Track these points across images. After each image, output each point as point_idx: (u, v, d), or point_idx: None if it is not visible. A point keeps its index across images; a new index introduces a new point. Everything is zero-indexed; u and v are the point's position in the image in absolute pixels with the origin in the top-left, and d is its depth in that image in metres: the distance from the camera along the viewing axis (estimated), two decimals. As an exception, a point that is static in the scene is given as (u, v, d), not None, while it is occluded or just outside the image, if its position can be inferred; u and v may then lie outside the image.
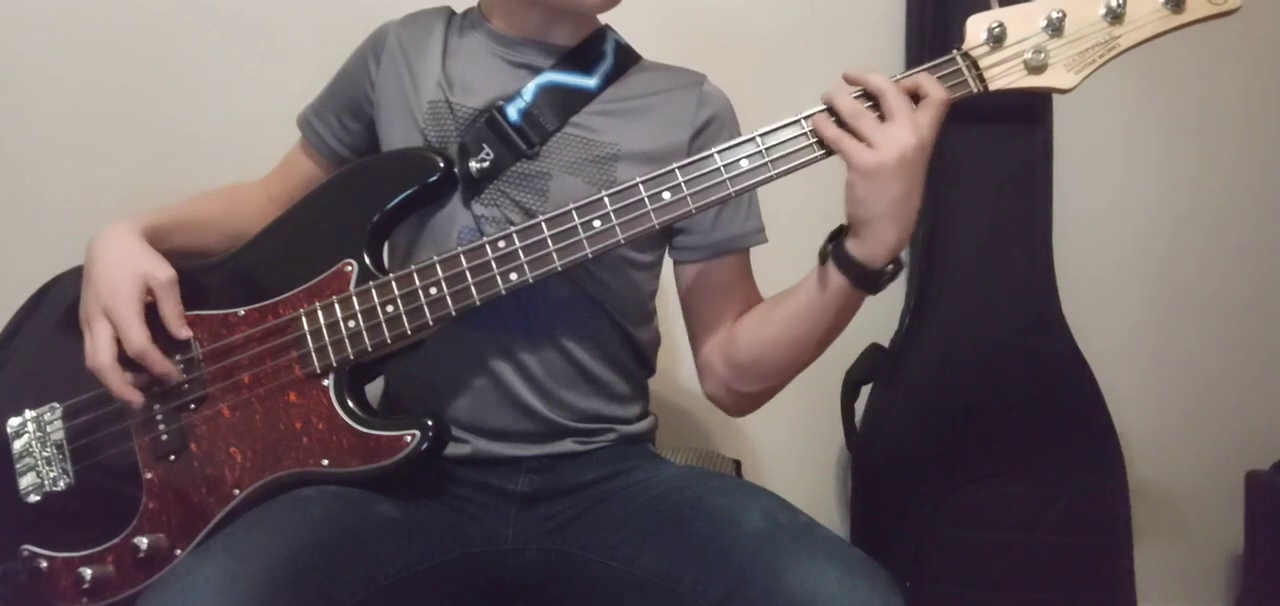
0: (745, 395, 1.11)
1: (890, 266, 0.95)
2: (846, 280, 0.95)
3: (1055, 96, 1.57)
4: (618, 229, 0.96)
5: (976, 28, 0.95)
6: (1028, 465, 1.56)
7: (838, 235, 0.97)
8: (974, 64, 0.95)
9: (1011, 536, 1.55)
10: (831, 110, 0.94)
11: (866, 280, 0.95)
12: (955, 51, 0.95)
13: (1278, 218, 1.71)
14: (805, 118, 0.95)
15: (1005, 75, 0.95)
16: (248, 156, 1.24)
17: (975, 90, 0.94)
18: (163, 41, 1.58)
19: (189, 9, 1.58)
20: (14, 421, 1.06)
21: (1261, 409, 1.72)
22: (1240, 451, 1.67)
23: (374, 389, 1.12)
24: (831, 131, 0.93)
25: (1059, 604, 1.56)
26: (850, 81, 0.94)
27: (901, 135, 0.90)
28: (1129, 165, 1.69)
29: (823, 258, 0.98)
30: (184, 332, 1.01)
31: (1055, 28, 0.94)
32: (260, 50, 1.58)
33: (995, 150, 1.59)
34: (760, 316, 1.07)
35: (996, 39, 0.94)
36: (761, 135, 0.95)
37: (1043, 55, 0.94)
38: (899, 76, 0.94)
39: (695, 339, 1.14)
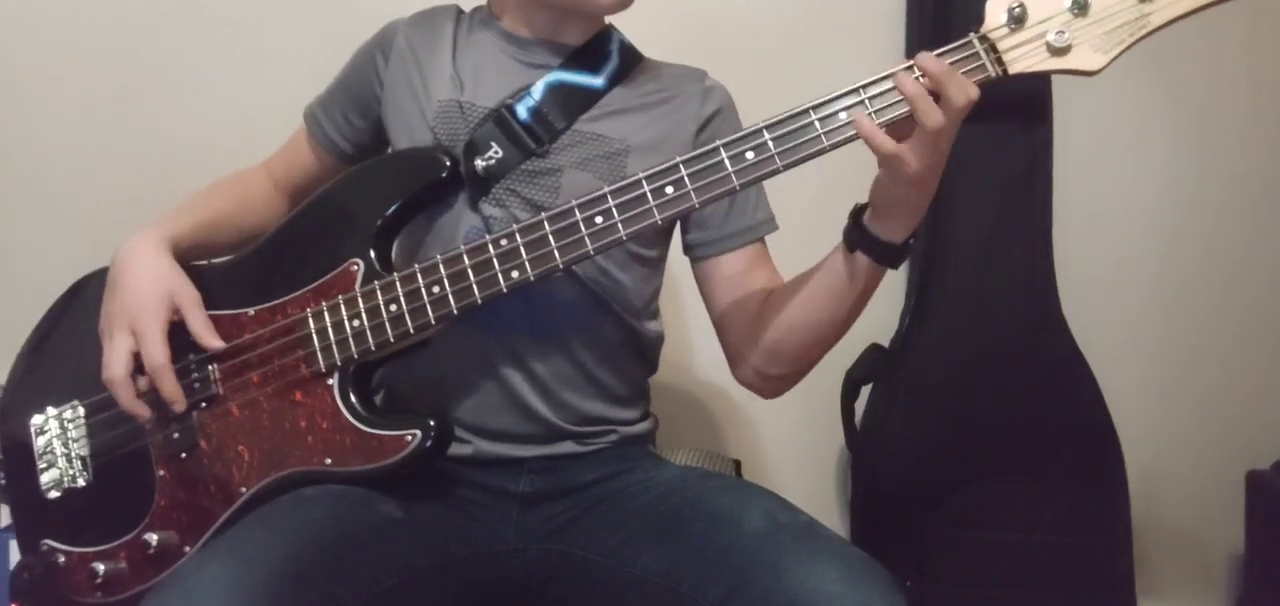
0: (775, 377, 1.10)
1: (911, 239, 0.95)
2: (870, 259, 0.96)
3: (1056, 93, 1.60)
4: (620, 225, 0.95)
5: (996, 8, 0.90)
6: (1028, 465, 1.56)
7: (854, 218, 0.97)
8: (992, 47, 0.90)
9: (1012, 536, 1.55)
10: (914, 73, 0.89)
11: (887, 254, 0.95)
12: (972, 34, 0.91)
13: (1278, 217, 1.71)
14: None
15: (1026, 58, 0.89)
16: (253, 155, 1.25)
17: (994, 74, 0.90)
18: (166, 42, 1.58)
19: (192, 9, 1.58)
20: (37, 419, 1.08)
21: (1262, 408, 1.72)
22: (1241, 451, 1.67)
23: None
24: (913, 87, 0.88)
25: (1059, 604, 1.56)
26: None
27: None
28: (1129, 164, 1.69)
29: (850, 243, 0.97)
30: (217, 343, 1.02)
31: (1081, 6, 0.88)
32: (263, 49, 1.59)
33: (996, 148, 1.59)
34: (782, 301, 1.06)
35: (1017, 19, 0.89)
36: (768, 127, 0.93)
37: (1067, 36, 0.88)
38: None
39: (721, 329, 1.14)
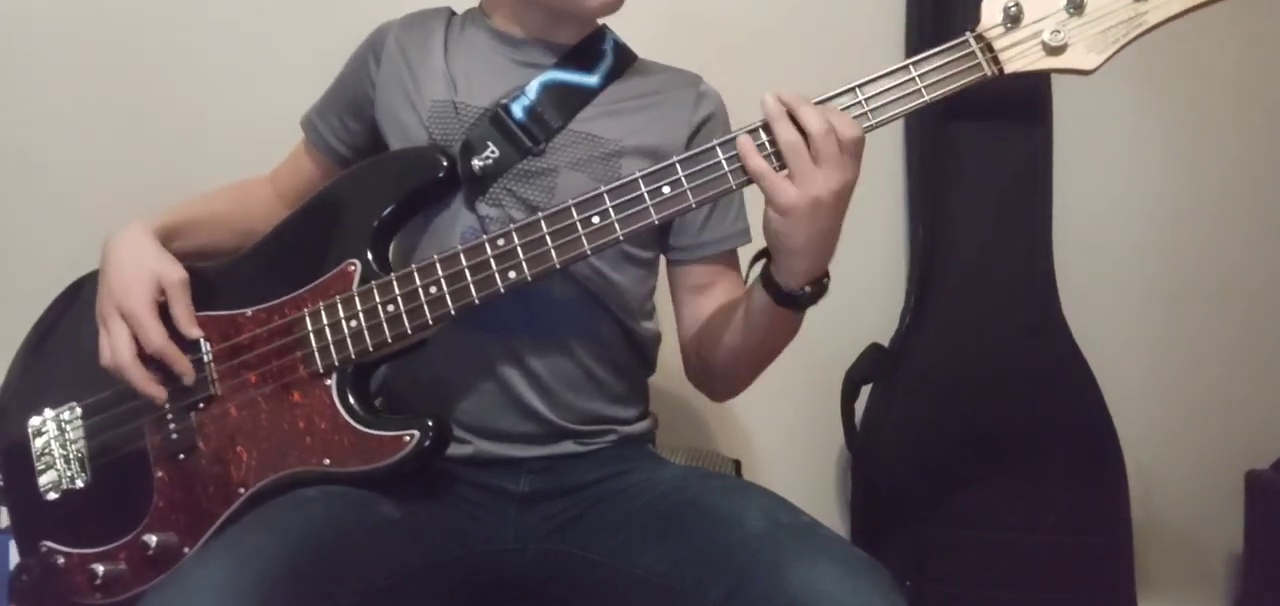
0: (714, 389, 1.16)
1: (808, 288, 0.95)
2: (769, 298, 0.97)
3: (1055, 96, 1.60)
4: (617, 225, 0.95)
5: (992, 7, 0.91)
6: (1028, 465, 1.56)
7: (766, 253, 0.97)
8: (988, 46, 0.90)
9: (1012, 536, 1.55)
10: (766, 129, 0.91)
11: (786, 300, 0.96)
12: (968, 33, 0.91)
13: (1276, 218, 1.71)
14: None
15: (1022, 57, 0.90)
16: (255, 150, 1.25)
17: (990, 73, 0.90)
18: (166, 38, 1.58)
19: (192, 7, 1.58)
20: (35, 420, 1.08)
21: (1261, 409, 1.72)
22: (1240, 451, 1.67)
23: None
24: (756, 162, 0.91)
25: (1059, 604, 1.56)
26: (785, 103, 0.91)
27: (824, 179, 0.89)
28: (1129, 165, 1.69)
29: (748, 277, 0.99)
30: (194, 332, 1.03)
31: (1076, 5, 0.89)
32: (266, 47, 1.59)
33: (995, 149, 1.59)
34: (718, 322, 1.09)
35: (1013, 18, 0.90)
36: (764, 127, 0.92)
37: (1063, 35, 0.89)
38: (819, 99, 0.91)
39: (680, 329, 1.17)
